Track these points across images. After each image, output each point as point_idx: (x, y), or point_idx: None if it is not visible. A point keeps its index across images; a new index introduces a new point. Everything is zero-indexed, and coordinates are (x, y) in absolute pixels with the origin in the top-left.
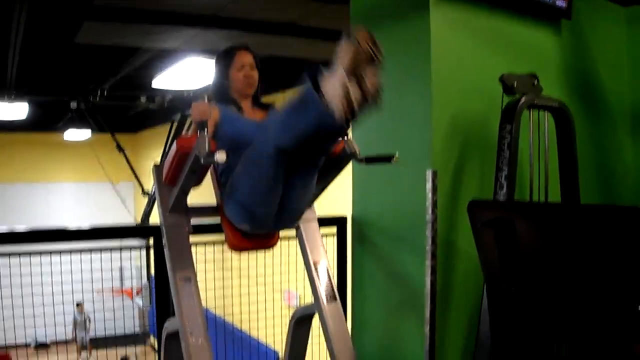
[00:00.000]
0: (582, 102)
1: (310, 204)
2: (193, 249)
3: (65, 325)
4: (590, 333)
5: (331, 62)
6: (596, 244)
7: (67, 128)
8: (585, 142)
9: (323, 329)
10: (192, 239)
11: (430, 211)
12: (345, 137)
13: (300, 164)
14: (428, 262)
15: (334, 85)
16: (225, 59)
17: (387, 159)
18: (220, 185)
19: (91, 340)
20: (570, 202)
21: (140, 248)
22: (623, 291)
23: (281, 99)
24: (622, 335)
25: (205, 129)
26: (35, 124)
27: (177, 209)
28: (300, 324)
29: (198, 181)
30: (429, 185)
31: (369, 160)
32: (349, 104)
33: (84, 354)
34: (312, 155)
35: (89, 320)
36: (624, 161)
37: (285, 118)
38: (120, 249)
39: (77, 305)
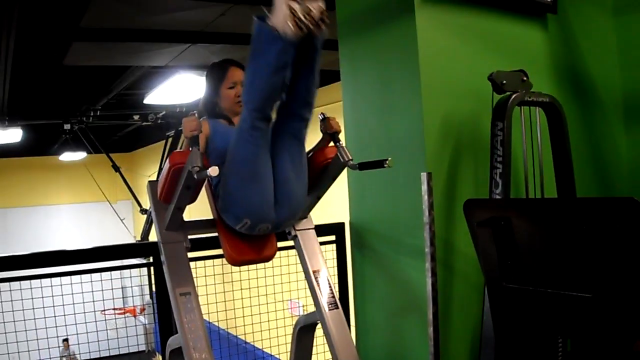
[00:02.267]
0: (573, 95)
1: (307, 211)
2: (193, 264)
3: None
4: (592, 327)
5: None
6: (594, 237)
7: (62, 150)
8: (579, 135)
9: (326, 337)
10: (193, 254)
11: (427, 213)
12: (338, 144)
13: (282, 137)
14: (428, 264)
15: (280, 9)
16: (216, 74)
17: (380, 163)
18: (215, 198)
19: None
20: (566, 196)
21: (141, 266)
22: (623, 284)
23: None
24: (623, 331)
25: (197, 144)
26: (30, 148)
27: (174, 225)
28: (303, 333)
29: (193, 197)
30: (424, 188)
31: (363, 166)
32: (298, 18)
33: None
34: (291, 115)
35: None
36: (618, 152)
37: (249, 73)
38: (121, 268)
39: (64, 341)
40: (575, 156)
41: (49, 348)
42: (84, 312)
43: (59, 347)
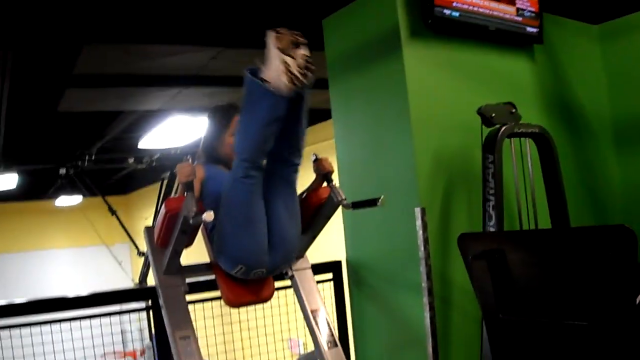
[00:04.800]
0: (562, 123)
1: (303, 250)
2: (192, 305)
3: None
4: (589, 355)
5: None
6: (588, 265)
7: (57, 195)
8: (570, 162)
9: None
10: (191, 296)
11: (422, 248)
12: (331, 184)
13: (273, 182)
14: (425, 299)
15: (274, 64)
16: (220, 120)
17: (373, 202)
18: (212, 242)
19: None
20: (560, 225)
21: (140, 310)
22: (618, 311)
23: None
24: (619, 358)
25: (192, 190)
26: (25, 193)
27: (171, 269)
28: None
29: (189, 241)
30: (418, 223)
31: (356, 205)
32: (292, 73)
33: None
34: (281, 161)
35: None
36: (610, 178)
37: (241, 125)
38: (120, 313)
39: None
40: (568, 184)
41: None
42: (85, 358)
43: None
